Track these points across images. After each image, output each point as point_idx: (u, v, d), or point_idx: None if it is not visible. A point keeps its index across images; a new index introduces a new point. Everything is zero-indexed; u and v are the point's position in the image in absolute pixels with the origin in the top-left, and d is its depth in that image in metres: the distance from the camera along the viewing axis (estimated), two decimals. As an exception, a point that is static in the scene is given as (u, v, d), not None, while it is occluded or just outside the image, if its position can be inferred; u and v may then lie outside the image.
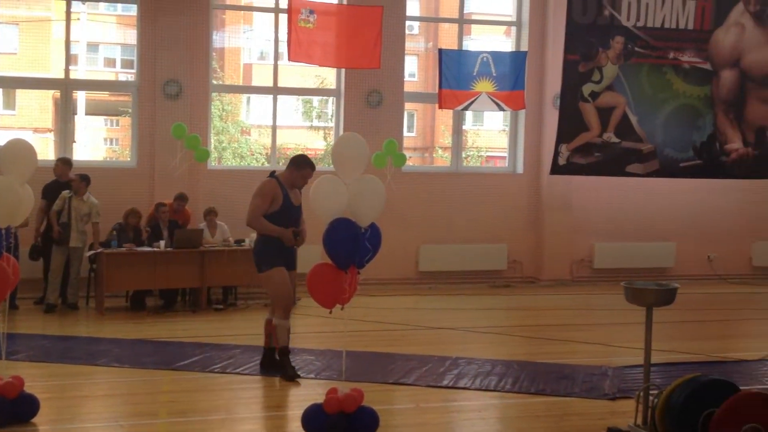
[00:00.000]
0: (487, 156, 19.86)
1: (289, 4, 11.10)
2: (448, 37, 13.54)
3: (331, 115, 13.55)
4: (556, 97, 11.85)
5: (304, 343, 8.31)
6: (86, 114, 17.53)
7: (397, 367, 7.06)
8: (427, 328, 8.69)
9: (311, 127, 19.21)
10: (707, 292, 12.08)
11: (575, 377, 6.98)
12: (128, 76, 18.20)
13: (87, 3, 14.21)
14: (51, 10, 15.37)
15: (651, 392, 5.32)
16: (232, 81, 16.81)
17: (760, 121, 11.81)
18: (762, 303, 11.63)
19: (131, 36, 13.17)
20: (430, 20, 17.19)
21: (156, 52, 11.50)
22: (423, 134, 21.33)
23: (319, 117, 18.59)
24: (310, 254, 9.51)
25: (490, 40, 16.85)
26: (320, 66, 12.71)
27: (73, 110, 13.05)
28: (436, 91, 12.23)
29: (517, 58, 12.43)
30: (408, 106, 14.00)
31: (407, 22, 13.06)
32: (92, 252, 10.20)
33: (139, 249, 10.22)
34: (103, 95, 17.69)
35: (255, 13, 14.47)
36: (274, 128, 12.72)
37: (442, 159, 19.19)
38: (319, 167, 12.69)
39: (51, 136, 16.50)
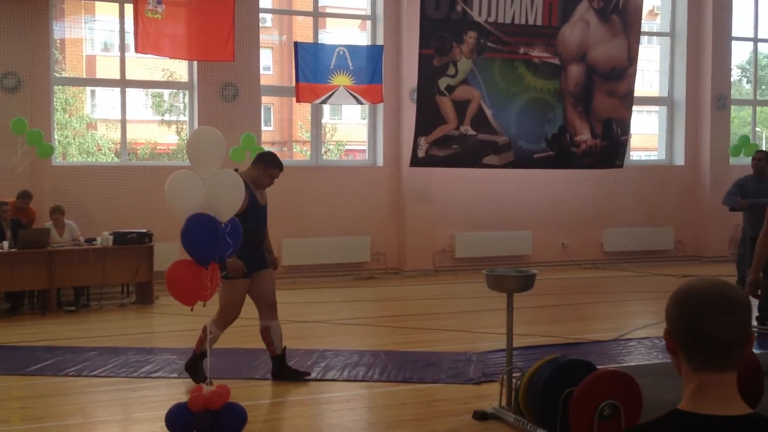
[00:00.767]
0: (347, 149, 19.92)
1: (136, -5, 10.71)
2: (302, 31, 13.43)
3: (184, 109, 13.13)
4: (413, 91, 11.96)
5: (166, 342, 8.02)
6: None
7: (263, 362, 6.90)
8: (293, 321, 8.55)
9: (162, 122, 18.64)
10: (563, 278, 12.51)
11: (441, 364, 7.05)
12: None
13: None
14: None
15: (514, 375, 5.44)
16: (76, 73, 15.99)
17: (606, 113, 12.35)
18: (613, 286, 12.14)
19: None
20: (285, 13, 16.98)
21: (-8, 42, 10.86)
22: (281, 128, 21.14)
23: (170, 111, 18.04)
24: (168, 252, 9.22)
25: (346, 34, 16.87)
26: (171, 58, 12.33)
27: None
28: (293, 85, 12.11)
29: (374, 51, 12.49)
30: (265, 99, 13.77)
31: (261, 15, 12.81)
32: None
33: (-20, 251, 9.58)
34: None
35: (97, 3, 13.79)
36: (123, 123, 12.23)
37: (301, 154, 19.09)
38: (172, 162, 12.45)
39: None
